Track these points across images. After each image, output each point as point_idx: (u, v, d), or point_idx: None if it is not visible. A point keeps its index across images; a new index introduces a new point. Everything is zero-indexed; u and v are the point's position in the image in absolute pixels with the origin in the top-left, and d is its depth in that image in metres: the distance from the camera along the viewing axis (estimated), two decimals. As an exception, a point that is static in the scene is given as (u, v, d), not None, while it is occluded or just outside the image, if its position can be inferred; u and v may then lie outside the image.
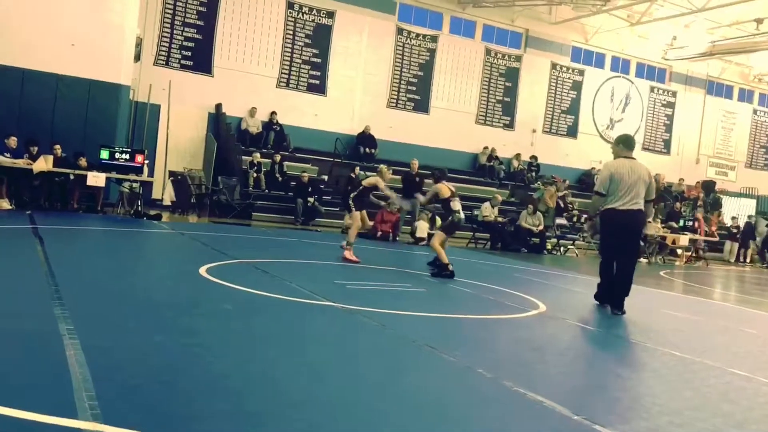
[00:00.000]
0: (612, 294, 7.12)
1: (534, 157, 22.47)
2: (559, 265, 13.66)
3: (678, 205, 22.13)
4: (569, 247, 17.18)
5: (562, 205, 18.79)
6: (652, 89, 25.51)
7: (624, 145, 7.27)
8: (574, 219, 18.89)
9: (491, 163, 21.50)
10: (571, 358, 4.94)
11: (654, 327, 6.92)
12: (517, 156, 22.20)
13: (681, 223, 19.68)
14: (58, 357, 3.42)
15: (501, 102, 22.47)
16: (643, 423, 3.47)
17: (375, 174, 9.98)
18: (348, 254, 9.13)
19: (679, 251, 19.15)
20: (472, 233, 16.18)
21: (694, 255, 19.54)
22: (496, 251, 15.25)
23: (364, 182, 9.77)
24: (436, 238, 8.77)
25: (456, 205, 8.80)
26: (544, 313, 6.70)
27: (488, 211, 15.87)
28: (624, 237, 7.04)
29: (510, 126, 22.66)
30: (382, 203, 13.82)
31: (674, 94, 25.98)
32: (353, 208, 9.41)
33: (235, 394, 3.25)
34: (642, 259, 17.34)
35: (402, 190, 15.19)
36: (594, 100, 24.23)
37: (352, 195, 9.62)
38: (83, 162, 12.75)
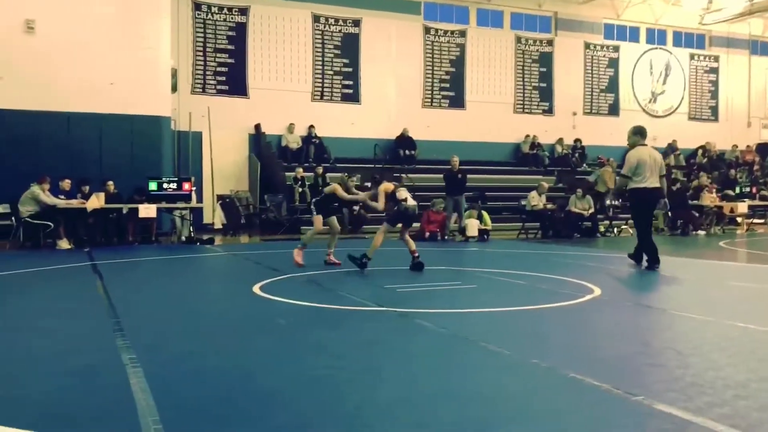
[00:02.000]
0: (650, 253, 8.92)
1: (578, 140, 22.11)
2: (613, 247, 13.42)
3: (732, 172, 21.45)
4: (623, 227, 16.84)
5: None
6: (692, 57, 24.85)
7: (641, 135, 9.09)
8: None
9: (534, 151, 21.26)
10: (628, 339, 4.86)
11: (716, 300, 6.75)
12: (560, 141, 21.89)
13: (738, 190, 19.06)
14: (123, 386, 3.55)
15: (537, 88, 22.22)
16: (707, 398, 3.39)
17: (336, 182, 9.97)
18: (297, 256, 9.02)
19: (738, 219, 18.56)
20: (521, 224, 16.04)
21: (751, 222, 18.91)
22: (548, 239, 15.06)
23: (326, 190, 9.78)
24: (380, 232, 8.71)
25: (402, 193, 8.73)
26: (598, 297, 6.60)
27: (536, 200, 15.69)
28: (652, 208, 9.21)
29: (549, 111, 22.39)
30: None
31: (716, 58, 25.24)
32: (314, 212, 9.44)
33: (294, 407, 3.31)
34: (700, 231, 16.90)
35: (445, 189, 15.19)
36: (633, 75, 23.74)
37: (314, 200, 9.76)
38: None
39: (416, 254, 8.73)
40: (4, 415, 3.09)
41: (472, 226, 14.27)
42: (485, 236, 14.40)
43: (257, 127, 18.48)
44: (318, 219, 9.28)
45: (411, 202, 8.81)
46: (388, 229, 8.83)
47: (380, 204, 8.97)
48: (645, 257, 9.04)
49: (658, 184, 8.85)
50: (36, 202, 12.05)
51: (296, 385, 3.68)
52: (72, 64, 14.15)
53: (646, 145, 9.01)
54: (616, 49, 23.44)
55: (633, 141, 9.09)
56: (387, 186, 8.95)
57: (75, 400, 3.39)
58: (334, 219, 9.56)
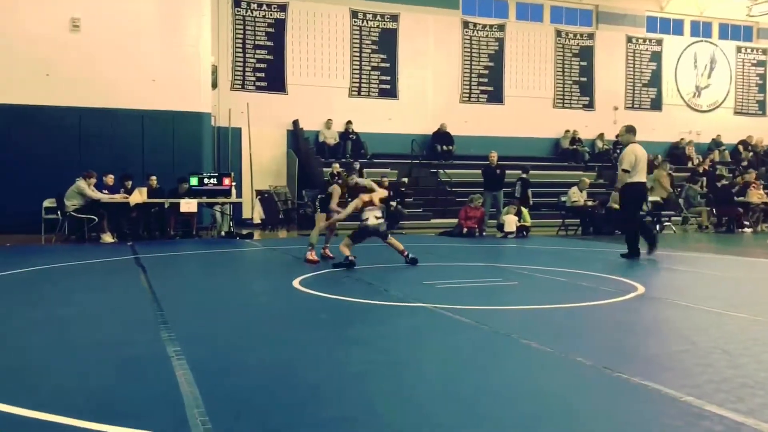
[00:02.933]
0: (648, 239, 9.81)
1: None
2: (655, 243, 13.13)
3: (780, 168, 20.86)
4: (666, 223, 16.51)
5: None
6: (738, 50, 24.21)
7: (633, 133, 9.88)
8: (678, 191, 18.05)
9: (574, 147, 20.97)
10: (675, 338, 4.76)
11: (765, 299, 6.58)
12: (601, 136, 21.56)
13: (786, 186, 18.51)
14: (169, 378, 3.61)
15: (578, 83, 21.91)
16: (758, 400, 3.30)
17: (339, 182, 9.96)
18: (309, 256, 8.97)
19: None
20: (561, 220, 15.84)
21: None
22: (588, 236, 14.84)
23: (330, 189, 9.68)
24: (343, 244, 8.59)
25: (366, 214, 8.64)
26: (642, 294, 6.49)
27: (576, 196, 15.47)
28: (644, 201, 10.55)
29: (590, 106, 22.05)
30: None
31: (764, 51, 24.55)
32: (318, 209, 9.42)
33: (337, 401, 3.32)
34: (746, 229, 16.49)
35: (483, 184, 15.07)
36: (676, 69, 23.24)
37: (320, 197, 9.77)
38: (185, 186, 13.35)
39: (406, 253, 8.75)
40: (53, 404, 3.16)
41: (510, 222, 14.14)
42: (524, 233, 14.25)
43: (295, 122, 18.60)
44: (321, 217, 9.35)
45: (373, 221, 8.65)
46: (349, 243, 8.61)
47: (344, 214, 8.93)
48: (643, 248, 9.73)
49: (645, 179, 10.01)
50: (81, 197, 12.32)
51: (338, 380, 3.69)
52: (115, 61, 14.41)
53: (636, 142, 9.77)
54: (659, 42, 22.95)
55: (626, 139, 9.93)
56: (337, 189, 9.21)
57: (122, 391, 3.46)
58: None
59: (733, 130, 23.20)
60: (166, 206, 13.16)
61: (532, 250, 11.77)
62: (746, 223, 16.73)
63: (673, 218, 17.01)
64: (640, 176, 9.64)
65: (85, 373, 3.81)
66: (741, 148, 22.70)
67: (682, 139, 22.61)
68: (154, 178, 13.39)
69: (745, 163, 21.36)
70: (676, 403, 3.25)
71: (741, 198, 17.09)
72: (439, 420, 3.05)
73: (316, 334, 4.83)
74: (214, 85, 17.05)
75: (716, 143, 22.87)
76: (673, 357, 4.20)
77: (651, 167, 16.71)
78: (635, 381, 3.57)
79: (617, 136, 16.28)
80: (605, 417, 3.10)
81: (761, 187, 17.79)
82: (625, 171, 9.49)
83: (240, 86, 18.35)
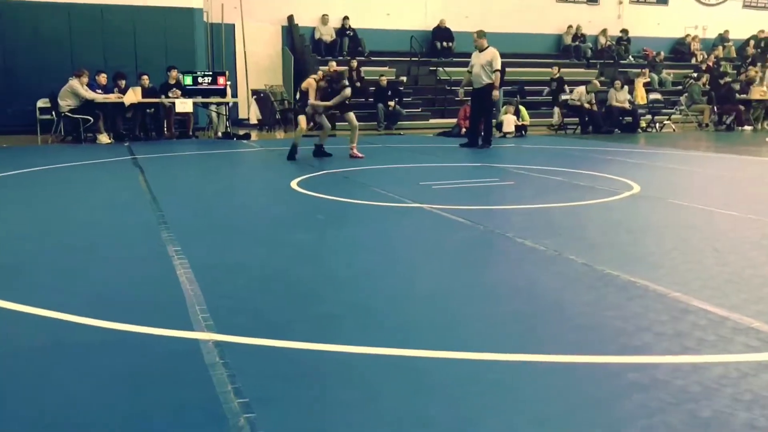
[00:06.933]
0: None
1: (624, 31, 21.10)
2: (654, 142, 13.12)
3: (787, 63, 20.40)
4: (665, 122, 16.38)
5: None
6: (751, -62, 23.12)
7: (486, 37, 11.43)
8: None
9: (576, 43, 20.45)
10: (666, 236, 4.84)
11: (761, 198, 6.64)
12: (604, 32, 20.95)
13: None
14: (170, 276, 3.70)
15: (582, -25, 21.07)
16: (743, 295, 3.41)
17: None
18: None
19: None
20: (561, 119, 15.66)
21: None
22: (587, 135, 14.76)
23: (304, 86, 9.60)
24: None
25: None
26: (637, 194, 6.54)
27: (584, 98, 14.99)
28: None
29: (594, 0, 21.33)
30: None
31: (778, -60, 23.45)
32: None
33: (332, 299, 3.43)
34: (747, 127, 16.38)
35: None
36: (685, -42, 22.28)
37: (296, 97, 9.98)
38: (173, 74, 13.15)
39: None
40: (54, 302, 3.26)
41: (509, 122, 13.99)
42: (522, 132, 14.16)
43: (290, 18, 18.02)
44: (302, 119, 9.46)
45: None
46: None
47: (334, 101, 9.27)
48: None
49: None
50: (75, 97, 12.13)
51: (335, 279, 3.79)
52: (102, -46, 13.82)
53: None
54: (669, -71, 21.90)
55: (483, 43, 11.29)
56: (312, 83, 9.32)
57: (126, 289, 3.55)
58: (351, 114, 9.63)
59: (742, 24, 22.54)
60: (166, 105, 12.96)
61: (529, 149, 11.74)
62: (747, 120, 16.59)
63: (672, 117, 16.86)
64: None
65: (85, 271, 3.90)
66: (752, 43, 22.07)
67: (687, 35, 22.01)
68: (146, 77, 13.11)
69: (749, 60, 20.89)
70: (663, 299, 3.35)
71: (743, 95, 16.86)
72: (434, 316, 3.15)
73: (313, 235, 4.91)
74: (206, -21, 16.40)
75: (722, 39, 22.29)
76: (663, 255, 4.29)
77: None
78: (624, 278, 3.66)
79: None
80: (592, 312, 3.20)
81: (764, 84, 17.46)
82: (499, 71, 11.04)
83: (232, -20, 17.64)
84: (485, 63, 11.06)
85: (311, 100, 9.30)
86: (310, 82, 9.40)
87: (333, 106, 9.44)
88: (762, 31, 22.34)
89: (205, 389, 2.35)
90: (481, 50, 11.28)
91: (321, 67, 9.92)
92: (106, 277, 3.76)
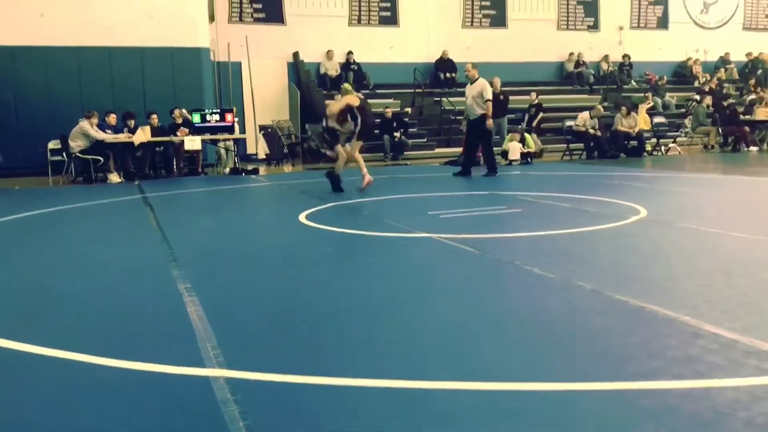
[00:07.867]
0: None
1: (626, 56, 21.28)
2: (660, 166, 13.14)
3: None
4: (671, 145, 16.41)
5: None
6: (748, -39, 23.38)
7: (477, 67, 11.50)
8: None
9: (578, 70, 20.62)
10: (675, 260, 4.83)
11: (766, 219, 6.62)
12: (606, 58, 21.14)
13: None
14: (181, 314, 3.72)
15: (582, 2, 21.34)
16: (754, 318, 3.40)
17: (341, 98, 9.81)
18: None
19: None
20: (566, 145, 15.75)
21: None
22: (593, 160, 14.80)
23: (327, 113, 9.57)
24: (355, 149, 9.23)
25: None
26: (645, 218, 6.54)
27: (588, 123, 15.07)
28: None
29: (595, 27, 21.56)
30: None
31: (775, -38, 23.70)
32: (333, 143, 9.69)
33: (346, 330, 3.44)
34: (752, 148, 16.38)
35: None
36: (683, -16, 22.54)
37: (324, 134, 10.12)
38: (179, 112, 13.33)
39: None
40: (68, 342, 3.28)
41: (514, 150, 14.07)
42: (529, 159, 14.21)
43: (295, 55, 18.30)
44: (341, 149, 9.47)
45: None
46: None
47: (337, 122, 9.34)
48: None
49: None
50: (85, 137, 12.31)
51: (347, 310, 3.80)
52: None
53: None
54: (667, -43, 22.19)
55: (474, 73, 11.41)
56: (332, 108, 9.46)
57: (136, 328, 3.58)
58: (356, 144, 9.61)
59: (742, 46, 22.68)
60: (176, 142, 13.13)
61: (535, 176, 11.78)
62: (753, 141, 16.60)
63: (678, 139, 16.90)
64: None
65: (98, 310, 3.93)
66: (750, 65, 22.22)
67: (689, 58, 22.18)
68: (155, 116, 13.32)
69: (752, 81, 20.96)
70: (673, 323, 3.34)
71: (747, 117, 16.89)
72: (447, 346, 3.16)
73: (323, 267, 4.93)
74: (212, 19, 16.72)
75: (724, 61, 22.42)
76: (672, 279, 4.28)
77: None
78: (634, 303, 3.66)
79: None
80: (602, 338, 3.20)
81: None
82: (489, 101, 11.10)
83: (238, 18, 17.99)
84: (476, 94, 11.22)
85: (331, 119, 9.31)
86: (352, 99, 9.31)
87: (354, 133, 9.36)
88: (762, 53, 22.46)
89: (217, 426, 2.36)
90: (473, 82, 11.44)
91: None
92: (117, 316, 3.79)
